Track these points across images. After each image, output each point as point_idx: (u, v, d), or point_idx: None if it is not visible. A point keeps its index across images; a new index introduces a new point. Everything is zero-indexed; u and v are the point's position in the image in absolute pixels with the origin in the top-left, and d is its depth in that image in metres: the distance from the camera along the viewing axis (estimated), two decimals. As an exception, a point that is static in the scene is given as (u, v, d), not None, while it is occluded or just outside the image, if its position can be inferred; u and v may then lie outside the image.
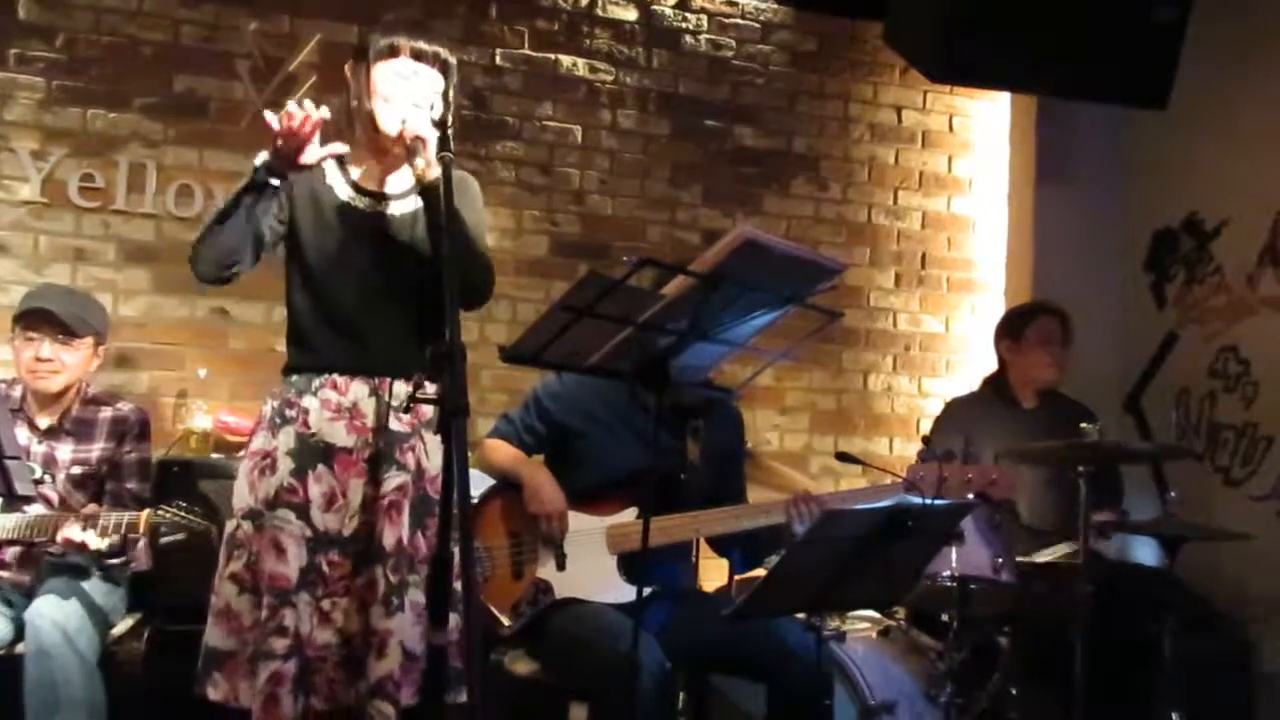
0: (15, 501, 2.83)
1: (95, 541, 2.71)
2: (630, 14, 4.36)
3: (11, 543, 2.81)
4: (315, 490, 2.18)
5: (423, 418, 2.25)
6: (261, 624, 2.14)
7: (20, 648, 2.75)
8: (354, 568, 2.19)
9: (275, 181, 2.16)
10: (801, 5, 4.54)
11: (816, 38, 4.58)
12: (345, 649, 2.18)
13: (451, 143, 2.03)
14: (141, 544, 2.86)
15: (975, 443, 3.44)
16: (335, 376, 2.23)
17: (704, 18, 4.45)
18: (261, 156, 2.16)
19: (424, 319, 2.27)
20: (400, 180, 2.32)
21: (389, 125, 2.21)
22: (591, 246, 4.23)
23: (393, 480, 2.20)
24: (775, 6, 4.53)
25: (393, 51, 2.24)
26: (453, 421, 1.74)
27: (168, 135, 3.84)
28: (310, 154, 2.14)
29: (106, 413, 3.03)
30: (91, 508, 2.85)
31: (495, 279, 2.30)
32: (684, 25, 4.43)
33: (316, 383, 2.23)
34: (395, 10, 4.03)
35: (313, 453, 2.20)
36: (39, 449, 2.96)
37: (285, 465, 2.19)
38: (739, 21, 4.50)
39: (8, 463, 2.49)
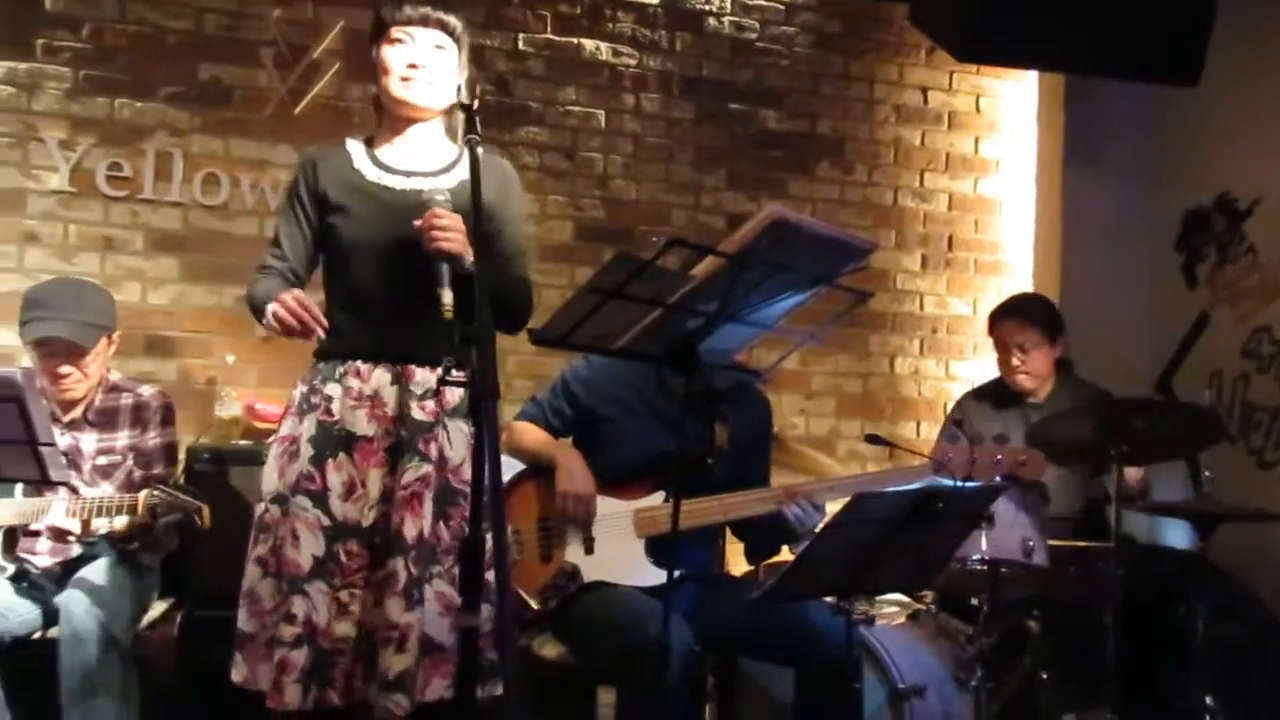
0: (52, 487, 2.83)
1: (74, 525, 2.74)
2: (653, -3, 4.33)
3: (11, 530, 2.81)
4: (334, 478, 2.17)
5: (446, 406, 2.23)
6: (276, 609, 2.15)
7: (51, 633, 2.77)
8: (373, 558, 2.17)
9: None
10: (825, -14, 4.51)
11: (841, 19, 4.54)
12: (365, 644, 2.15)
13: (478, 125, 2.00)
14: (159, 527, 2.83)
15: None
16: (358, 364, 2.22)
17: (727, 0, 4.42)
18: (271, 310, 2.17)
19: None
20: (431, 157, 2.31)
21: (401, 99, 2.25)
22: (616, 231, 4.22)
23: (414, 471, 2.17)
24: (799, -12, 4.50)
25: (382, 25, 2.27)
26: (483, 404, 1.74)
27: (193, 124, 3.86)
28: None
29: (128, 400, 3.02)
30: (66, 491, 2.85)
31: (533, 299, 2.35)
32: (707, 7, 4.40)
33: (340, 370, 2.22)
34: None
35: (333, 441, 2.19)
36: (63, 440, 2.92)
37: (306, 452, 2.19)
38: (762, 3, 4.47)
39: (42, 449, 2.49)
